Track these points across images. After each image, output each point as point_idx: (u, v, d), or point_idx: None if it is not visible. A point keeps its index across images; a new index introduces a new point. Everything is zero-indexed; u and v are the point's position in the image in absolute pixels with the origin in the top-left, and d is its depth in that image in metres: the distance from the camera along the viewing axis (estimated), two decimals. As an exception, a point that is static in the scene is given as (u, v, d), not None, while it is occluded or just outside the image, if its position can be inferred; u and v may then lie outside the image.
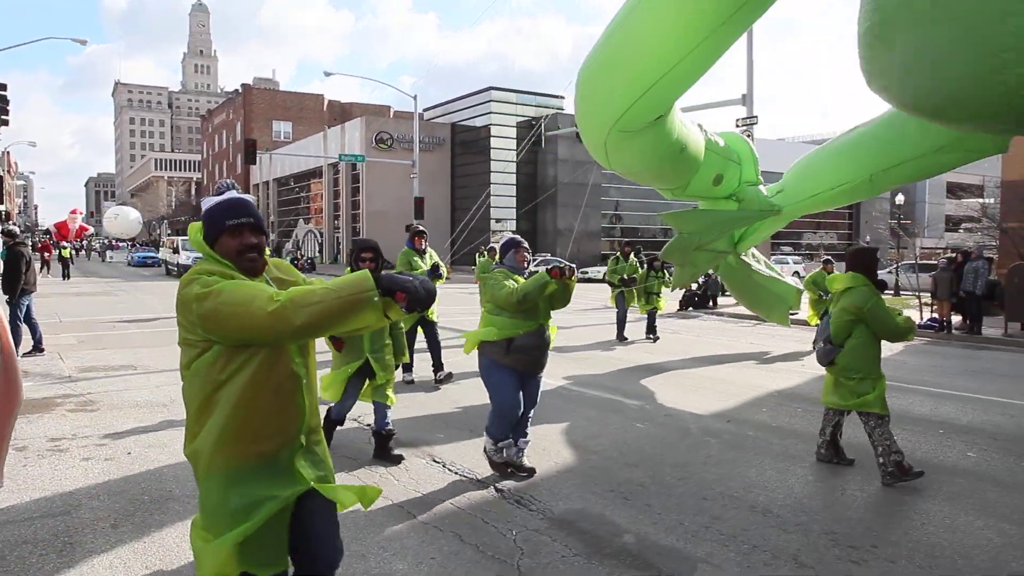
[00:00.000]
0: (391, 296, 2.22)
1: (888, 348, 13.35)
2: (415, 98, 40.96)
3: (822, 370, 6.16)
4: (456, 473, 5.70)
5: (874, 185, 9.53)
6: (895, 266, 37.57)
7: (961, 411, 8.41)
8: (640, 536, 4.54)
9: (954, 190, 78.87)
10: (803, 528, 4.71)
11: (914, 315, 18.12)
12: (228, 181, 2.69)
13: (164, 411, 7.44)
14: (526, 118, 53.55)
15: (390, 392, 5.99)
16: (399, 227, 46.62)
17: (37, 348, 10.99)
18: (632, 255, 14.43)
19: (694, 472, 5.86)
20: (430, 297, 2.25)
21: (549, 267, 5.15)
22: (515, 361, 5.39)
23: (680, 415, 7.87)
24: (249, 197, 2.66)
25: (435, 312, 9.51)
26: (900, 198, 36.94)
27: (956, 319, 17.05)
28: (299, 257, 39.29)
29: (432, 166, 49.54)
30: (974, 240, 70.13)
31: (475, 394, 8.55)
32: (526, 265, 5.65)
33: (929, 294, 18.00)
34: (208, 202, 2.61)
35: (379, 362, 5.84)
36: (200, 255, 2.59)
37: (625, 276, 14.02)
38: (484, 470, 5.75)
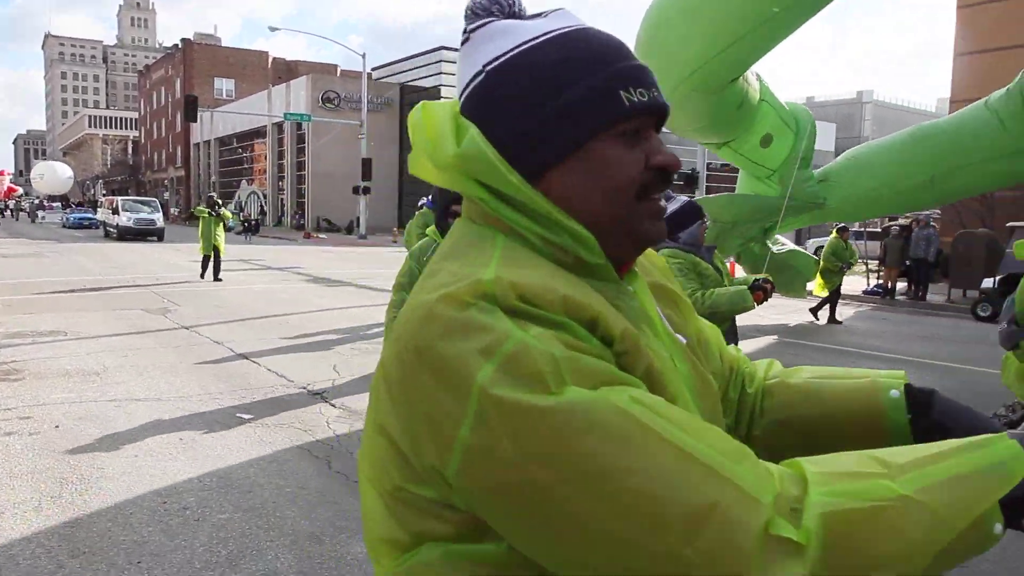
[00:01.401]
0: None
1: (837, 314, 13.49)
2: (363, 56, 39.86)
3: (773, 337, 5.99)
4: (414, 445, 5.39)
5: (935, 188, 8.73)
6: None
7: (920, 377, 8.41)
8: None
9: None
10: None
11: (860, 281, 18.36)
12: None
13: (96, 380, 6.94)
14: (477, 79, 52.80)
15: None
16: (346, 189, 45.71)
17: (-42, 312, 10.28)
18: None
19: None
20: None
21: (751, 283, 4.02)
22: None
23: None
24: None
25: None
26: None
27: (900, 285, 17.34)
28: (244, 220, 38.12)
29: (381, 127, 48.49)
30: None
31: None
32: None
33: (877, 260, 18.23)
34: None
35: None
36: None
37: None
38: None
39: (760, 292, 3.94)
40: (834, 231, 12.80)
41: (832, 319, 12.79)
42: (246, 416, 5.91)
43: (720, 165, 55.88)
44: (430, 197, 6.22)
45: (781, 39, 6.68)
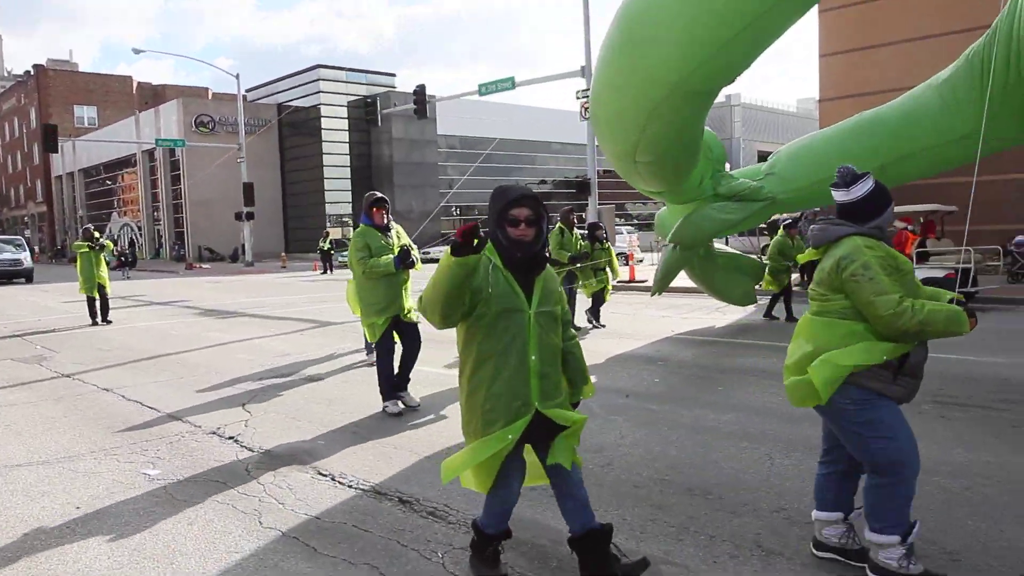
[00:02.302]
0: None
1: (736, 312, 13.68)
2: (237, 77, 38.33)
3: (697, 334, 5.83)
4: (349, 486, 4.87)
5: (886, 176, 8.16)
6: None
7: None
8: (585, 541, 3.94)
9: (764, 159, 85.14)
10: (751, 508, 4.30)
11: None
12: None
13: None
14: (357, 96, 51.75)
15: None
16: (227, 216, 43.81)
17: None
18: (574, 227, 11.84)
19: (614, 457, 5.35)
20: None
21: (955, 300, 3.33)
22: (904, 390, 3.35)
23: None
24: None
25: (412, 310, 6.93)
26: (727, 166, 38.67)
27: (794, 276, 17.85)
28: (120, 254, 35.67)
29: (260, 150, 46.82)
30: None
31: (345, 387, 7.68)
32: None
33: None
34: None
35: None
36: None
37: (575, 253, 11.37)
38: (379, 477, 4.96)
39: (974, 319, 3.21)
40: (781, 228, 12.38)
41: (790, 317, 12.22)
42: (152, 473, 5.22)
43: (605, 171, 56.97)
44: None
45: (772, 40, 6.40)
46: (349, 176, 51.73)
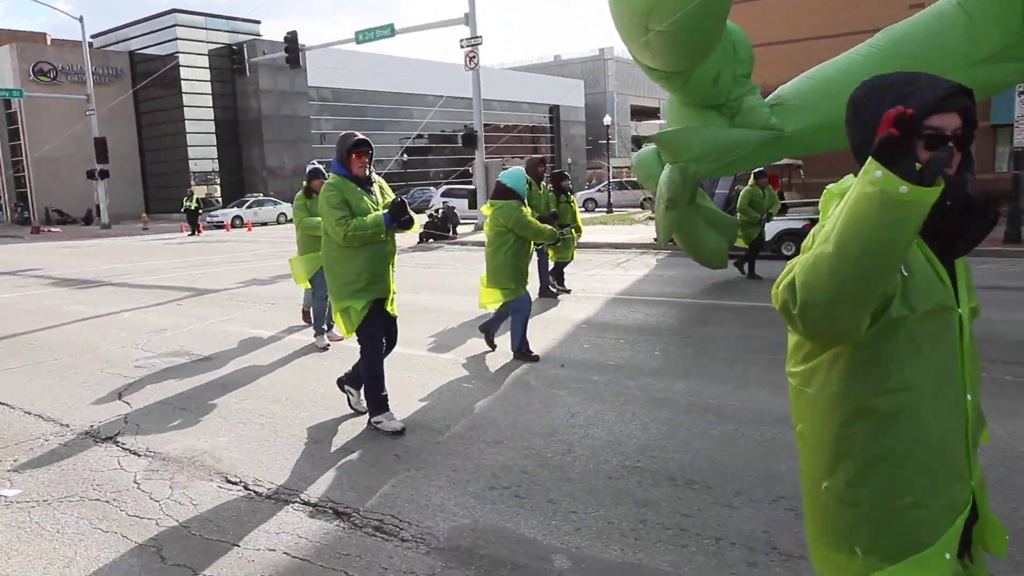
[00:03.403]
0: None
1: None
2: (81, 20, 34.66)
3: (612, 292, 5.31)
4: (268, 497, 4.02)
5: None
6: (605, 184, 39.81)
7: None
8: (576, 555, 3.30)
9: (636, 113, 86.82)
10: (747, 499, 3.78)
11: (650, 229, 18.71)
12: None
13: None
14: (220, 45, 48.27)
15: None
16: (77, 174, 40.06)
17: None
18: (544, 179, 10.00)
19: (571, 440, 4.74)
20: None
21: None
22: None
23: (505, 365, 6.71)
24: None
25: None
26: (607, 119, 38.68)
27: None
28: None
29: (112, 102, 42.84)
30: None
31: (242, 368, 6.69)
32: None
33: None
34: None
35: None
36: None
37: (548, 212, 9.09)
38: (304, 483, 4.15)
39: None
40: (751, 177, 11.50)
41: (751, 274, 11.62)
42: (8, 494, 4.17)
43: (502, 125, 56.13)
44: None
45: None
46: (214, 131, 48.39)
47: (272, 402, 5.77)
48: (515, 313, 6.72)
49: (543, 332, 8.00)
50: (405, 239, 20.19)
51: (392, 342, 5.20)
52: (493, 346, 7.12)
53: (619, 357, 6.83)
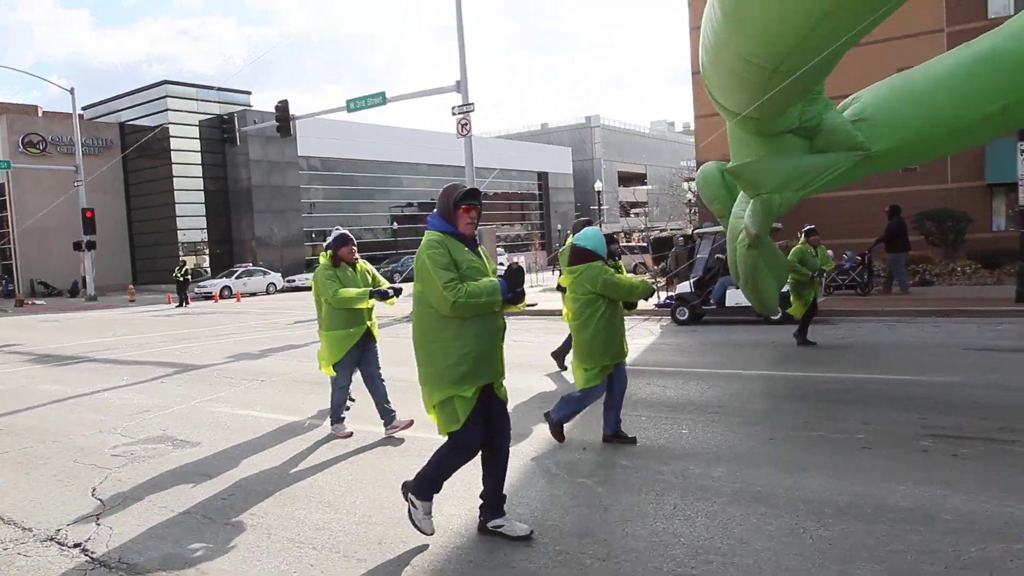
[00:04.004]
0: None
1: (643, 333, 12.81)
2: (72, 92, 34.69)
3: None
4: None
5: (1005, 119, 6.95)
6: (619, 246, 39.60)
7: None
8: None
9: (623, 179, 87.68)
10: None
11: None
12: None
13: None
14: (210, 115, 48.49)
15: None
16: (63, 245, 39.54)
17: None
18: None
19: (610, 542, 4.12)
20: None
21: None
22: None
23: (519, 450, 6.09)
24: None
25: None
26: (599, 184, 38.81)
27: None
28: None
29: (102, 173, 42.63)
30: (644, 222, 78.36)
31: (232, 455, 6.06)
32: None
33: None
34: None
35: None
36: None
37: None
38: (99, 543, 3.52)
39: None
40: (801, 235, 10.98)
41: (803, 338, 10.75)
42: (-47, 622, 3.53)
43: (492, 193, 56.97)
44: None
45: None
46: (203, 200, 48.24)
47: (263, 497, 5.14)
48: (584, 396, 6.00)
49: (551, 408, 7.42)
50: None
51: (507, 442, 4.26)
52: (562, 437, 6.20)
53: (644, 437, 6.24)
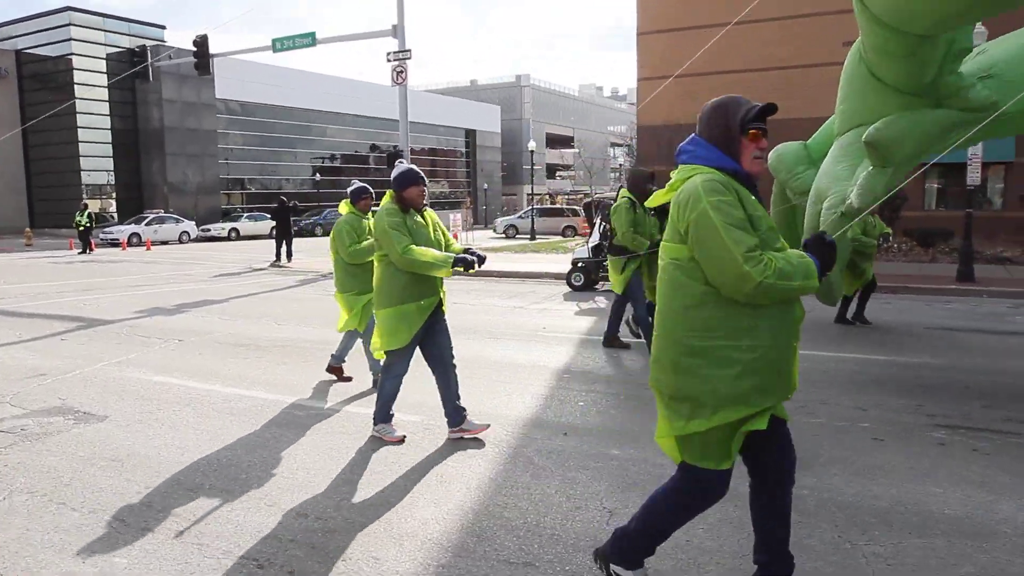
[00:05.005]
0: None
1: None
2: (-38, 12, 31.39)
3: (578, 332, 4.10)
4: None
5: None
6: (528, 210, 38.92)
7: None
8: None
9: (552, 141, 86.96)
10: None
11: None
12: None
13: None
14: (120, 49, 45.13)
15: None
16: (-48, 182, 36.19)
17: None
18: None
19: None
20: None
21: None
22: None
23: (506, 439, 5.32)
24: None
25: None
26: (532, 144, 37.98)
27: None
28: None
29: (-6, 104, 39.21)
30: (570, 185, 78.18)
31: (144, 431, 5.08)
32: None
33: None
34: None
35: None
36: None
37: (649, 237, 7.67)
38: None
39: None
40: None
41: (860, 316, 9.98)
42: None
43: (421, 148, 54.84)
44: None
45: None
46: (110, 140, 45.06)
47: (191, 493, 4.21)
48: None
49: (522, 384, 6.68)
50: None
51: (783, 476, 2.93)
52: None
53: (631, 421, 5.56)
